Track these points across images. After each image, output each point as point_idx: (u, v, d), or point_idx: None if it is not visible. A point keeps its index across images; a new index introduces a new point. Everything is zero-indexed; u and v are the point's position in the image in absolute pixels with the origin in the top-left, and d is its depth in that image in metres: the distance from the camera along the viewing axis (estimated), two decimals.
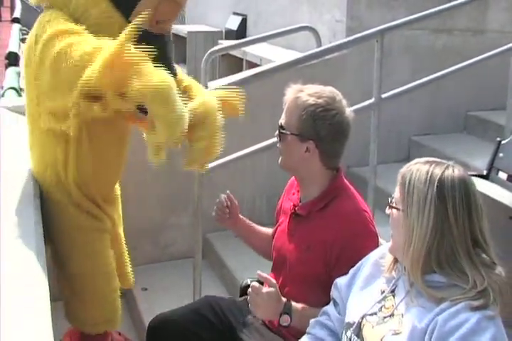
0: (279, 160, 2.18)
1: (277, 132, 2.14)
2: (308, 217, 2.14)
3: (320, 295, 2.04)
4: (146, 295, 3.46)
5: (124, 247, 2.70)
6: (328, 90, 2.10)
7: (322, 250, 2.05)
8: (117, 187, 2.61)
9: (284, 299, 2.01)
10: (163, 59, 2.25)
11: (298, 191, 2.22)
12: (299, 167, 2.13)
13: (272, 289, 1.98)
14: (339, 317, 1.86)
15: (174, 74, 2.30)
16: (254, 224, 2.50)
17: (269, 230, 2.45)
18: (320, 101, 2.05)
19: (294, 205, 2.20)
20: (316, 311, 2.00)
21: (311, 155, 2.09)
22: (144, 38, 2.20)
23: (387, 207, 1.71)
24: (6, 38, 10.08)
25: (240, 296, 2.45)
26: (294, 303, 2.02)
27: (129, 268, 2.71)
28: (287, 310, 2.00)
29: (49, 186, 2.33)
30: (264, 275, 2.01)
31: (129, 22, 2.17)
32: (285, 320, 2.00)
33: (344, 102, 2.10)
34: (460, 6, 3.63)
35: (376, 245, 2.08)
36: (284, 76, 3.30)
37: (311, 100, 2.04)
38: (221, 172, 3.34)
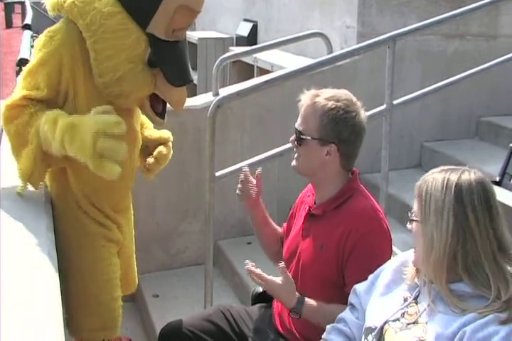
0: (295, 165, 2.16)
1: (294, 137, 2.13)
2: (323, 217, 2.14)
3: (331, 295, 2.05)
4: (157, 301, 3.46)
5: (133, 257, 2.68)
6: (344, 93, 2.11)
7: (335, 247, 2.05)
8: (129, 197, 2.59)
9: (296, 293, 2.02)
10: (180, 65, 2.26)
11: (313, 194, 2.23)
12: (317, 170, 2.12)
13: (276, 278, 2.00)
14: (357, 322, 1.84)
15: (191, 80, 2.31)
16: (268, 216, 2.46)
17: (279, 228, 2.44)
18: (339, 104, 2.05)
19: (310, 206, 2.20)
20: (328, 307, 2.01)
21: (331, 158, 2.09)
22: (161, 46, 2.21)
23: (408, 222, 1.69)
24: (17, 45, 10.14)
25: (252, 304, 2.44)
26: (307, 298, 2.02)
27: (135, 275, 2.70)
28: (300, 304, 2.00)
29: (58, 193, 2.35)
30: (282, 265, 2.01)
31: (147, 33, 2.18)
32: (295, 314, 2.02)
33: (359, 103, 2.12)
34: (472, 11, 3.60)
35: (389, 243, 2.09)
36: (295, 82, 3.30)
37: (330, 104, 2.05)
38: (232, 179, 3.33)
